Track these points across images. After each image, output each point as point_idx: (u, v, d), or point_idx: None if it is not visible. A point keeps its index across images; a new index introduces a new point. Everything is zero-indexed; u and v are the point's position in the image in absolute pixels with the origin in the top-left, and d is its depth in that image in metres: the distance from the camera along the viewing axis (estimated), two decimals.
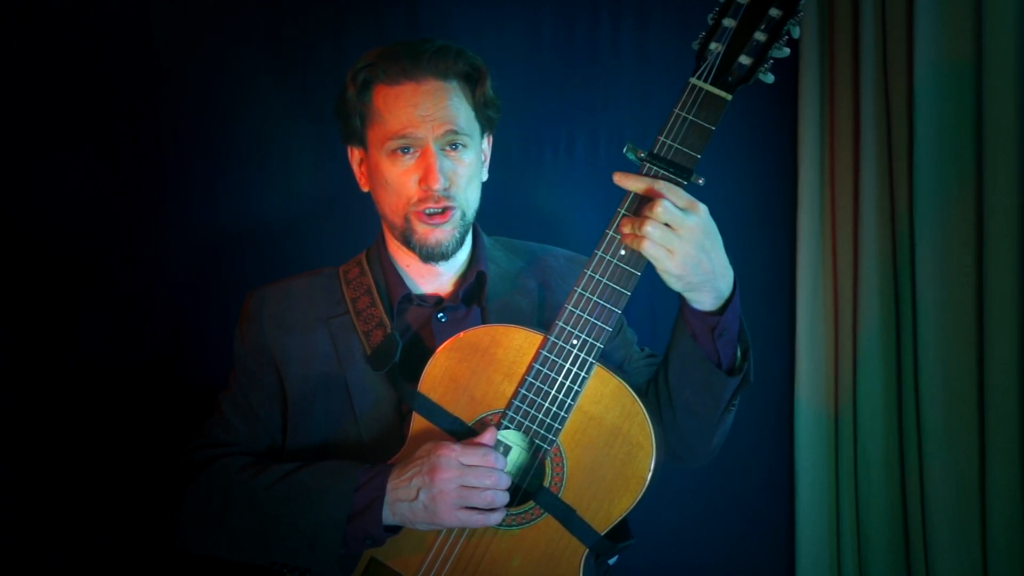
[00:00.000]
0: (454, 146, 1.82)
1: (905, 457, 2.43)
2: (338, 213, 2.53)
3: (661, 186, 1.53)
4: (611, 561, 1.94)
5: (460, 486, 1.60)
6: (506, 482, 1.62)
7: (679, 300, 1.65)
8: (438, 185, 1.77)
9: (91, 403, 2.44)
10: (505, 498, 1.63)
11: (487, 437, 1.63)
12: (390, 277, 1.89)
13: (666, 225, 1.51)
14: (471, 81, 1.85)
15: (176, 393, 2.47)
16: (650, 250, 1.52)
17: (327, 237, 2.54)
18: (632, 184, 1.55)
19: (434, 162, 1.77)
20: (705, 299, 1.61)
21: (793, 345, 2.62)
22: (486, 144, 1.93)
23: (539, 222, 2.58)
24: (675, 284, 1.58)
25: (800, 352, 2.60)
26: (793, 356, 2.62)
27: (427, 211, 1.80)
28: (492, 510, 1.62)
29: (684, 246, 1.52)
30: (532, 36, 2.62)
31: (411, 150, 1.79)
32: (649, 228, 1.51)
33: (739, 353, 1.69)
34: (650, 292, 1.76)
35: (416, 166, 1.79)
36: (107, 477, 2.44)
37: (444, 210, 1.80)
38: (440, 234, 1.81)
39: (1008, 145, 2.11)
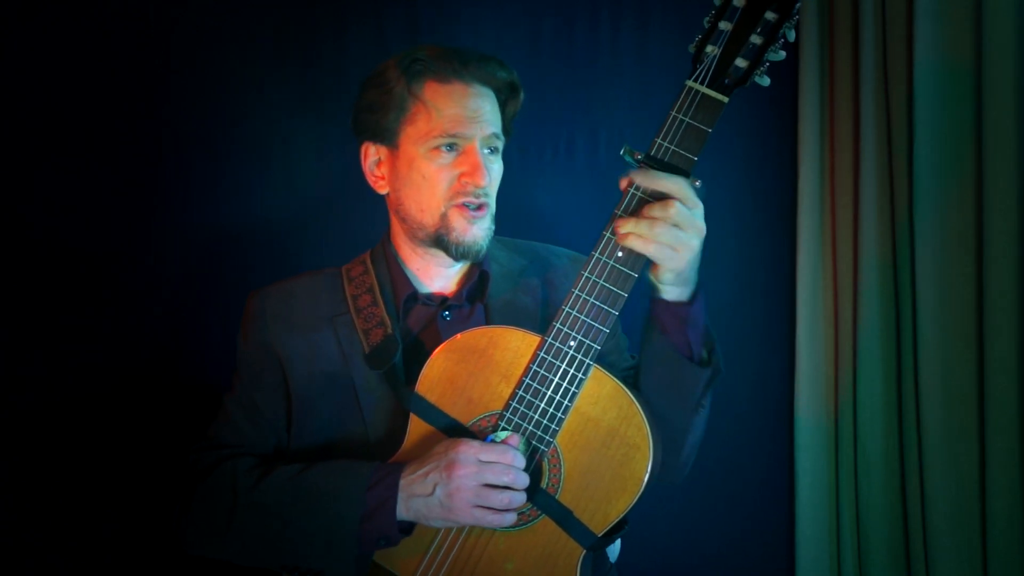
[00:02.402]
0: (492, 150, 1.83)
1: (905, 457, 2.43)
2: (339, 213, 2.54)
3: (681, 187, 1.54)
4: (612, 559, 1.94)
5: (478, 483, 1.60)
6: (524, 481, 1.61)
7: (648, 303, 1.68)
8: (485, 182, 1.78)
9: (91, 403, 2.44)
10: (522, 499, 1.62)
11: (512, 440, 1.63)
12: (396, 276, 1.89)
13: (674, 225, 1.53)
14: (503, 94, 1.86)
15: (176, 393, 2.47)
16: (657, 252, 1.55)
17: (328, 237, 2.54)
18: (657, 184, 1.55)
19: (481, 160, 1.78)
20: (681, 290, 1.65)
21: (793, 345, 2.62)
22: None
23: (538, 222, 2.58)
24: (670, 278, 1.61)
25: (800, 352, 2.60)
26: (793, 356, 2.62)
27: (468, 204, 1.79)
28: (507, 510, 1.62)
29: (691, 242, 1.56)
30: (532, 36, 2.62)
31: (454, 148, 1.79)
32: (659, 230, 1.53)
33: (705, 353, 1.71)
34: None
35: (457, 163, 1.78)
36: (107, 477, 2.44)
37: (479, 207, 1.80)
38: (476, 231, 1.80)
39: (1008, 145, 2.11)
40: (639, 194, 1.57)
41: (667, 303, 1.66)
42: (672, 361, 1.68)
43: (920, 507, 2.37)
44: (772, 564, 2.68)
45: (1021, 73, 2.10)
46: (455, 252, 1.82)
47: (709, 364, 1.70)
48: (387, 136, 1.84)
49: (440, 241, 1.82)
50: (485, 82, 1.82)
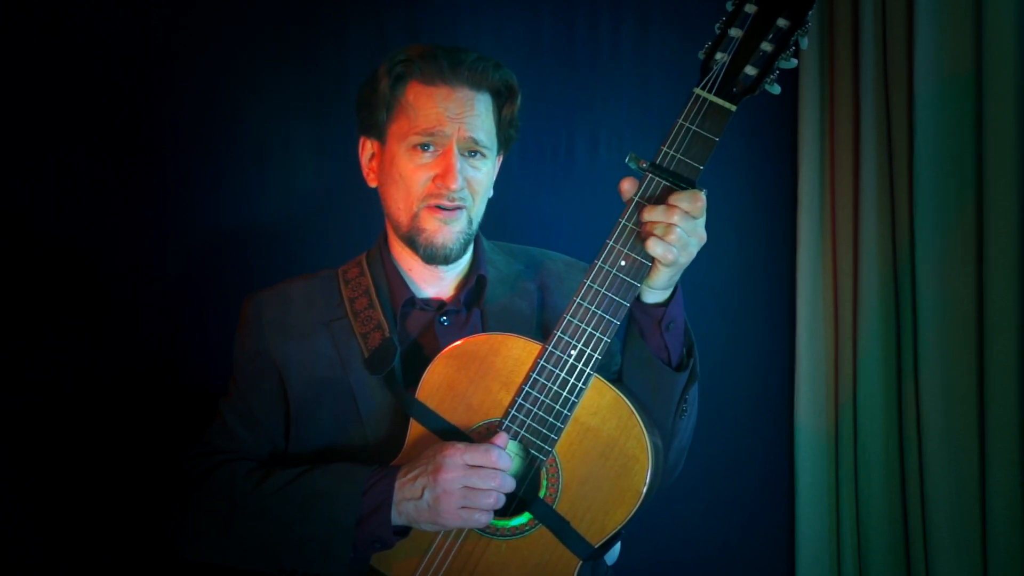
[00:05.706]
0: (473, 153, 1.82)
1: (905, 457, 2.43)
2: (339, 214, 2.53)
3: (694, 204, 1.55)
4: (611, 562, 1.94)
5: (464, 487, 1.59)
6: (510, 485, 1.61)
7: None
8: (456, 185, 1.77)
9: (90, 404, 2.44)
10: (502, 500, 1.61)
11: (499, 440, 1.62)
12: (392, 279, 1.88)
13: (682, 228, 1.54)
14: (501, 97, 1.86)
15: (175, 393, 2.47)
16: (663, 250, 1.55)
17: (328, 238, 2.54)
18: (674, 202, 1.55)
19: (454, 162, 1.77)
20: (661, 293, 1.66)
21: (793, 345, 2.62)
22: (497, 163, 1.93)
23: (538, 224, 2.58)
24: (661, 283, 1.62)
25: (800, 352, 2.60)
26: (793, 357, 2.63)
27: (439, 206, 1.79)
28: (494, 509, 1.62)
29: (692, 249, 1.57)
30: (532, 37, 2.61)
31: (431, 148, 1.79)
32: (677, 228, 1.54)
33: (685, 352, 1.72)
34: None
35: (434, 164, 1.79)
36: (107, 478, 2.44)
37: (455, 208, 1.80)
38: (447, 233, 1.81)
39: (1008, 146, 2.11)
40: (644, 203, 1.56)
41: (645, 305, 1.67)
42: (650, 366, 1.69)
43: (920, 507, 2.37)
44: (772, 564, 2.68)
45: (1021, 74, 2.10)
46: (423, 253, 1.82)
47: (686, 368, 1.70)
48: (378, 132, 1.86)
49: (411, 241, 1.83)
50: (476, 84, 1.81)
